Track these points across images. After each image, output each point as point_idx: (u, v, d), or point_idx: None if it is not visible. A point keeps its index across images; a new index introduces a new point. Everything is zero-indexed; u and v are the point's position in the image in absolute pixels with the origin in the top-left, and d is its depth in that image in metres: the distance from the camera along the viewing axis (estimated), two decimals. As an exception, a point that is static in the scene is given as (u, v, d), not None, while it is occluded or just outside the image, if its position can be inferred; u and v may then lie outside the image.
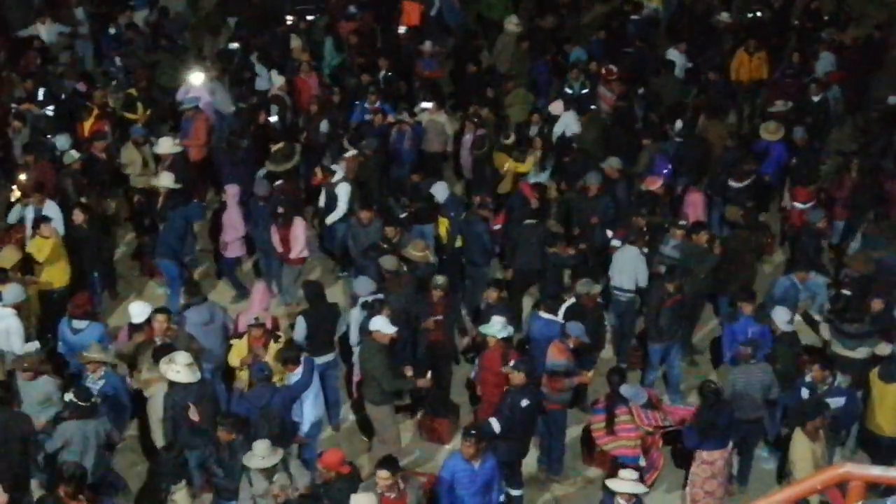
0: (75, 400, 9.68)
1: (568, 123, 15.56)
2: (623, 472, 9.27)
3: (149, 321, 11.01)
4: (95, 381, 10.28)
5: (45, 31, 17.75)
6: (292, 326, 11.81)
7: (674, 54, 17.53)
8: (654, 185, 13.71)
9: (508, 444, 10.14)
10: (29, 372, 10.31)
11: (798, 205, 14.15)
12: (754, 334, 11.29)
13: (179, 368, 9.81)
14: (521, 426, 10.21)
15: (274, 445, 9.29)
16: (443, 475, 9.50)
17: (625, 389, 10.56)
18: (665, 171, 14.22)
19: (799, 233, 13.70)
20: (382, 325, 10.64)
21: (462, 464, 9.35)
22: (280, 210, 13.07)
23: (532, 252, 12.86)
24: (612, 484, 9.20)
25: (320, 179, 13.99)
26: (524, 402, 10.16)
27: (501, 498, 9.86)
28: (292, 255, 13.15)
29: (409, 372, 10.82)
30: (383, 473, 8.94)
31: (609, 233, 13.22)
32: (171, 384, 9.94)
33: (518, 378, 10.22)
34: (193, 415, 9.73)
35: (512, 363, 10.44)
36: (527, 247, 12.90)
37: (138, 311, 11.19)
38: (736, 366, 10.94)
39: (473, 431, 9.45)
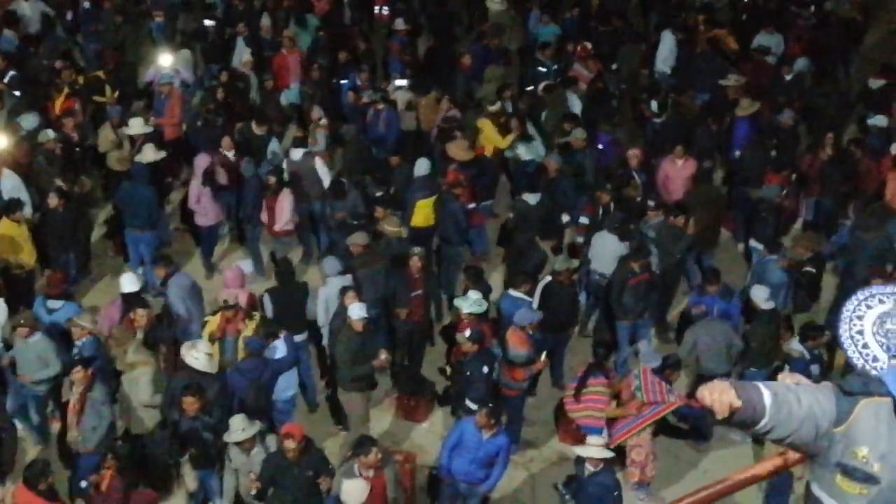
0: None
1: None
2: (590, 439, 9.46)
3: (139, 297, 11.07)
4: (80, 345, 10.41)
5: (29, 8, 17.62)
6: None
7: (669, 36, 17.26)
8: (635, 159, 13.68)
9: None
10: (25, 329, 10.38)
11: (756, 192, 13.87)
12: (720, 311, 11.38)
13: (199, 356, 9.85)
14: (482, 393, 10.35)
15: (251, 419, 9.34)
16: (451, 433, 9.74)
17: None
18: (599, 146, 14.33)
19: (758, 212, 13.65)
20: (355, 311, 10.61)
21: (472, 428, 9.52)
22: (271, 180, 13.10)
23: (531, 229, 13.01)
24: (579, 450, 9.41)
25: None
26: (484, 370, 10.38)
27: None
28: (276, 227, 13.21)
29: (383, 356, 10.73)
30: (374, 451, 8.95)
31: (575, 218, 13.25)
32: (180, 368, 10.00)
33: (469, 347, 10.40)
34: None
35: (467, 333, 10.51)
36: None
37: (129, 280, 11.19)
38: (695, 324, 11.12)
39: (492, 406, 9.63)
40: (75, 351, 10.40)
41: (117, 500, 8.93)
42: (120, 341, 10.64)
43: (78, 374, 9.77)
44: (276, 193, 13.08)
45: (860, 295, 3.84)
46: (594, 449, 9.32)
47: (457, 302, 11.12)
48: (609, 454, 9.38)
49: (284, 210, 13.12)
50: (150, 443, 9.70)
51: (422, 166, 13.43)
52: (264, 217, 13.27)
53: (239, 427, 9.28)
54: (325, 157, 14.19)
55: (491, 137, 14.66)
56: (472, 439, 9.50)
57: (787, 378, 4.67)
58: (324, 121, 14.69)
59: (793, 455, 4.43)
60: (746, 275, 12.86)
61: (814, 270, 12.18)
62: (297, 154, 13.65)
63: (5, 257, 12.01)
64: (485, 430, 9.47)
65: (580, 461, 9.48)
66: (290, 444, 9.10)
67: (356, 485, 8.77)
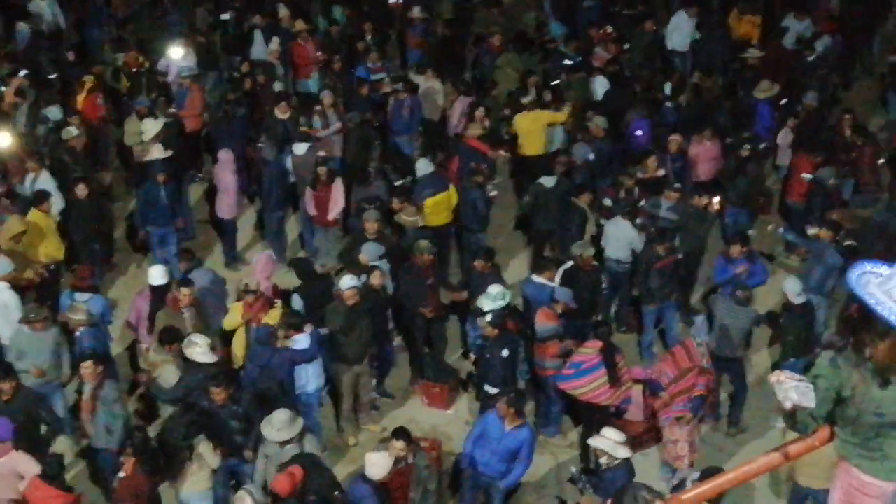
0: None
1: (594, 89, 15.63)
2: (607, 431, 9.15)
3: (168, 289, 11.10)
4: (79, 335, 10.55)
5: (47, 6, 17.76)
6: None
7: (682, 16, 17.36)
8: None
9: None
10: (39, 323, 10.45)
11: (806, 175, 13.62)
12: (748, 272, 11.44)
13: (201, 349, 9.90)
14: (501, 376, 10.37)
15: (294, 417, 9.27)
16: (477, 423, 9.72)
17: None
18: (638, 132, 14.29)
19: (807, 199, 13.50)
20: (345, 282, 10.76)
21: (495, 418, 9.46)
22: (322, 170, 13.11)
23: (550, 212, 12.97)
24: (593, 441, 9.12)
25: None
26: (504, 353, 10.34)
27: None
28: (330, 217, 13.25)
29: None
30: (398, 444, 9.00)
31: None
32: (187, 366, 10.03)
33: (490, 331, 10.40)
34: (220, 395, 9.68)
35: (488, 317, 10.50)
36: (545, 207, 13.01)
37: (158, 273, 11.24)
38: (725, 302, 10.96)
39: (513, 395, 9.56)
40: (79, 345, 10.47)
41: (140, 484, 8.98)
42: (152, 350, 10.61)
43: (87, 369, 9.71)
44: (329, 184, 13.11)
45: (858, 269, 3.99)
46: (609, 443, 8.99)
47: (479, 302, 10.93)
48: (626, 454, 9.02)
49: (339, 199, 13.16)
50: (166, 428, 9.76)
51: (424, 166, 13.45)
52: (311, 209, 13.29)
53: (278, 425, 9.15)
54: (328, 143, 14.12)
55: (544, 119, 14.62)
56: (494, 429, 9.42)
57: (780, 376, 4.67)
58: (328, 100, 14.62)
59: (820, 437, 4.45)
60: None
61: (856, 244, 12.10)
62: (300, 149, 13.66)
63: (31, 251, 12.07)
64: (507, 419, 9.39)
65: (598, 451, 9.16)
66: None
67: (379, 457, 8.85)
